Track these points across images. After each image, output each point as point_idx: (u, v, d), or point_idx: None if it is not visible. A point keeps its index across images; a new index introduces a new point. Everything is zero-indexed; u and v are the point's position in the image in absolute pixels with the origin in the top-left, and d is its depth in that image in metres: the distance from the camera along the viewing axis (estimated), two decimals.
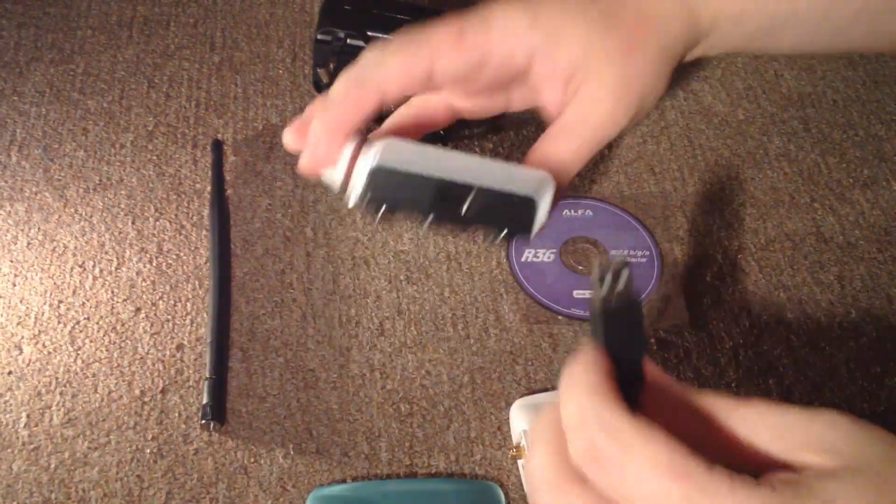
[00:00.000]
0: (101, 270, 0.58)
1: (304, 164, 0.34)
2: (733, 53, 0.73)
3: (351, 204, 0.32)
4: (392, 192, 0.31)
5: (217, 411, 0.52)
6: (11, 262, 0.58)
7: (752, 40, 0.38)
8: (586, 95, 0.34)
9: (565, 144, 0.34)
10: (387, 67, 0.33)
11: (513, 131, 0.67)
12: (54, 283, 0.57)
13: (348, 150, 0.33)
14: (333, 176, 0.34)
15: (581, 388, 0.26)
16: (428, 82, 0.34)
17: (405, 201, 0.31)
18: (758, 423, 0.26)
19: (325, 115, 0.33)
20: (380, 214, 0.31)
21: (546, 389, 0.54)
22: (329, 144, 0.33)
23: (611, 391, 0.26)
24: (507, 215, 0.32)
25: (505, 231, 0.33)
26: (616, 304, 0.27)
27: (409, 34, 0.34)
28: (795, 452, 0.25)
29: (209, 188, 0.62)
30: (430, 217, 0.32)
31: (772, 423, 0.26)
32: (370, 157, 0.31)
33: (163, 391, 0.53)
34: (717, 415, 0.26)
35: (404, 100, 0.37)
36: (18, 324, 0.55)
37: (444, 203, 0.31)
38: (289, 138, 0.35)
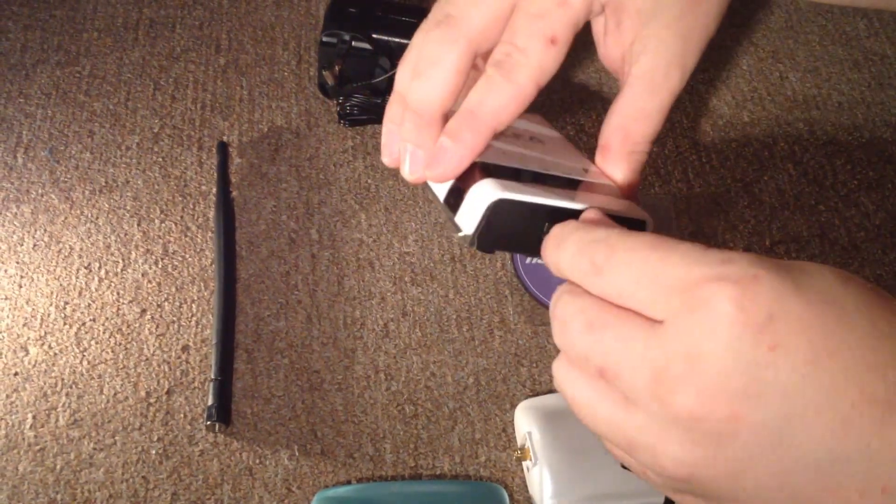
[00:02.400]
0: (106, 272, 0.58)
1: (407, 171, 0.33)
2: None
3: (467, 234, 0.32)
4: (509, 225, 0.31)
5: (222, 412, 0.52)
6: (17, 263, 0.58)
7: None
8: (659, 44, 0.33)
9: (649, 98, 0.34)
10: (474, 18, 0.31)
11: None
12: (60, 285, 0.57)
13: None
14: (437, 191, 0.33)
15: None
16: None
17: (519, 234, 0.31)
18: None
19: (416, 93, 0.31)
20: (492, 248, 0.31)
21: (551, 391, 0.54)
22: (429, 133, 0.32)
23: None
24: None
25: None
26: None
27: None
28: None
29: (214, 190, 0.62)
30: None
31: None
32: (489, 191, 0.30)
33: (168, 392, 0.53)
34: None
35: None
36: (24, 325, 0.55)
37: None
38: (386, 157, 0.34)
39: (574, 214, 0.31)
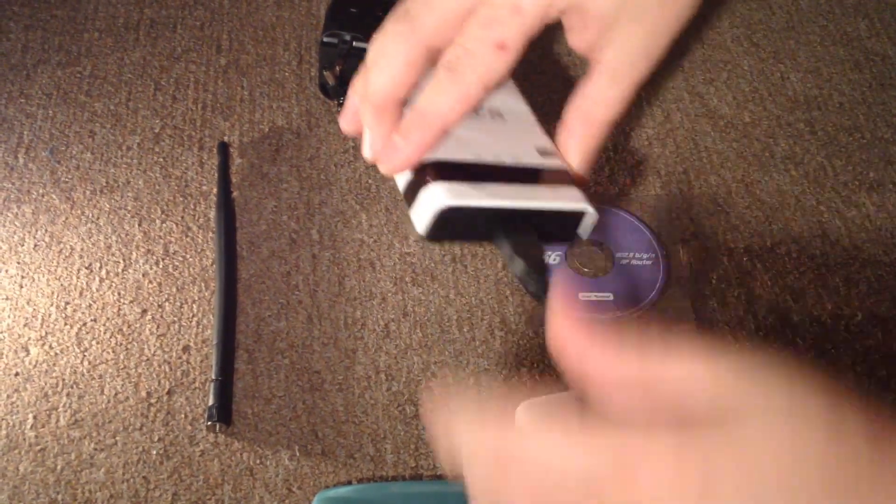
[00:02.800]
0: (107, 272, 0.58)
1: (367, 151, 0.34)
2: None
3: (419, 233, 0.34)
4: (458, 224, 0.33)
5: (223, 413, 0.52)
6: (18, 263, 0.58)
7: None
8: (624, 39, 0.34)
9: (613, 87, 0.35)
10: (428, 18, 0.33)
11: None
12: (61, 285, 0.57)
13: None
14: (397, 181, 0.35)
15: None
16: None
17: (469, 230, 0.33)
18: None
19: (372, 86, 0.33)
20: (443, 242, 0.33)
21: (552, 392, 0.54)
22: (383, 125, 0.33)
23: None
24: (558, 227, 0.35)
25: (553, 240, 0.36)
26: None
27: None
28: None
29: (215, 190, 0.62)
30: (501, 239, 0.34)
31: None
32: (437, 197, 0.32)
33: (169, 393, 0.53)
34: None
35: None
36: (25, 325, 0.55)
37: (504, 227, 0.33)
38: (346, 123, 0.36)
39: (519, 215, 0.33)
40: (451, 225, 0.33)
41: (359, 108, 0.34)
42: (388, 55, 0.33)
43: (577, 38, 0.35)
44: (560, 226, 0.35)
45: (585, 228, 0.35)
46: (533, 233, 0.34)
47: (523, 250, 0.35)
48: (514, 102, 0.40)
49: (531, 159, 0.36)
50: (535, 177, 0.35)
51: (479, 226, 0.33)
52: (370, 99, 0.33)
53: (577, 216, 0.35)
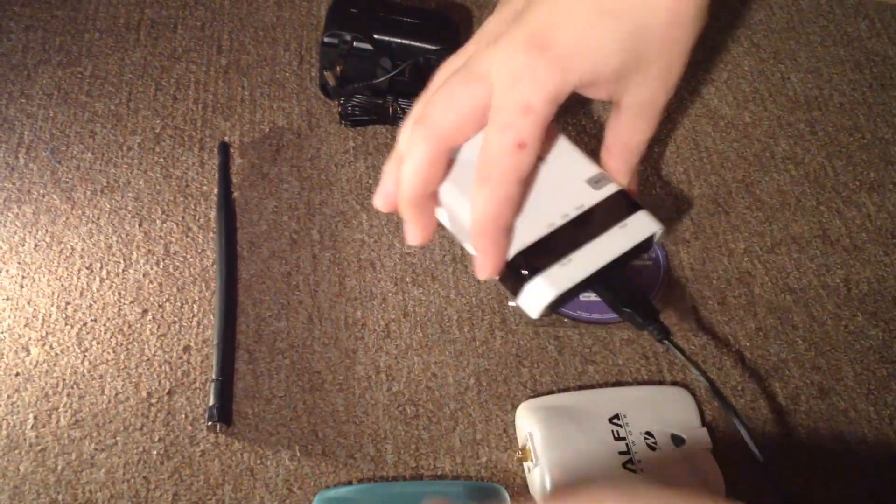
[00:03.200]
0: (108, 272, 0.58)
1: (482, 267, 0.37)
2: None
3: (531, 318, 0.39)
4: (562, 299, 0.36)
5: (223, 413, 0.52)
6: (19, 263, 0.58)
7: None
8: (640, 85, 0.37)
9: (640, 121, 0.39)
10: (444, 121, 0.36)
11: None
12: (62, 285, 0.57)
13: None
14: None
15: None
16: None
17: (570, 296, 0.37)
18: None
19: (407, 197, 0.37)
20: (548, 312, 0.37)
21: (552, 392, 0.54)
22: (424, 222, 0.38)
23: None
24: (638, 251, 0.38)
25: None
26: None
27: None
28: None
29: (216, 190, 0.62)
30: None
31: None
32: (543, 292, 0.36)
33: (169, 393, 0.53)
34: None
35: None
36: (26, 325, 0.55)
37: (600, 283, 0.38)
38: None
39: (609, 267, 0.37)
40: (556, 303, 0.36)
41: (398, 202, 0.37)
42: (413, 157, 0.35)
43: (593, 96, 0.38)
44: (639, 249, 0.38)
45: (657, 241, 0.39)
46: (626, 277, 0.39)
47: (627, 299, 0.39)
48: (548, 138, 0.42)
49: (590, 198, 0.38)
50: (604, 218, 0.38)
51: (578, 290, 0.37)
52: (404, 198, 0.36)
53: (651, 237, 0.38)
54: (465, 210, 0.37)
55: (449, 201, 0.38)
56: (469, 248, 0.38)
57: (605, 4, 0.34)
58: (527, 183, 0.37)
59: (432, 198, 0.37)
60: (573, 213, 0.38)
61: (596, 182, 0.39)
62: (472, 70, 0.35)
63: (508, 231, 0.36)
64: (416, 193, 0.36)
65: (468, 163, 0.37)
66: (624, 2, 0.34)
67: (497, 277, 0.37)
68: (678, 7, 0.35)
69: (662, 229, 0.38)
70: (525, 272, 0.36)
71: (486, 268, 0.36)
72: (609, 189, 0.38)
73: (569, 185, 0.38)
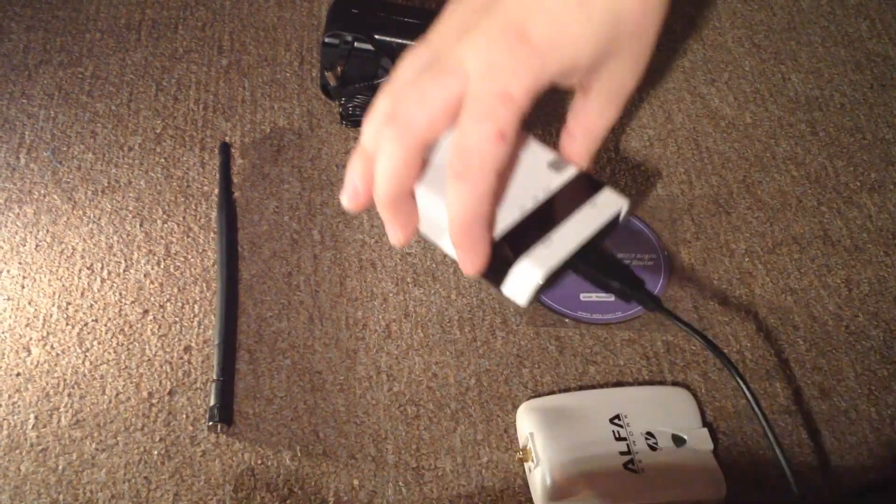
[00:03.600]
0: (109, 272, 0.58)
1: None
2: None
3: (520, 305, 0.38)
4: (548, 282, 0.36)
5: (224, 413, 0.52)
6: (20, 264, 0.58)
7: None
8: (611, 72, 0.37)
9: (608, 108, 0.39)
10: (419, 117, 0.35)
11: None
12: (62, 285, 0.57)
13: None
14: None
15: None
16: None
17: (553, 280, 0.36)
18: None
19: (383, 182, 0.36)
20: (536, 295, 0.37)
21: (553, 392, 0.54)
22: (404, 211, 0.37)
23: None
24: (608, 230, 0.39)
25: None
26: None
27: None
28: None
29: (217, 191, 0.62)
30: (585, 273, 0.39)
31: None
32: (530, 274, 0.35)
33: (170, 393, 0.53)
34: None
35: None
36: (27, 325, 0.55)
37: (582, 262, 0.37)
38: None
39: (587, 245, 0.37)
40: (544, 286, 0.35)
41: (376, 203, 0.36)
42: (388, 156, 0.34)
43: (563, 85, 0.37)
44: (609, 227, 0.38)
45: (623, 216, 0.39)
46: (604, 251, 0.38)
47: (612, 273, 0.39)
48: None
49: (555, 181, 0.38)
50: (573, 198, 0.38)
51: (560, 273, 0.36)
52: (381, 199, 0.35)
53: (618, 214, 0.38)
54: (439, 208, 0.36)
55: (419, 202, 0.37)
56: (446, 247, 0.37)
57: None
58: (504, 177, 0.36)
59: (411, 195, 0.36)
60: (542, 196, 0.37)
61: (556, 165, 0.39)
62: (444, 63, 0.34)
63: (490, 225, 0.35)
64: (394, 193, 0.35)
65: (435, 161, 0.37)
66: None
67: (482, 271, 0.36)
68: None
69: (628, 203, 0.38)
70: (508, 258, 0.35)
71: (473, 264, 0.35)
72: (570, 171, 0.39)
73: (531, 170, 0.38)
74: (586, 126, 0.39)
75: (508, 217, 0.36)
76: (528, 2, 0.34)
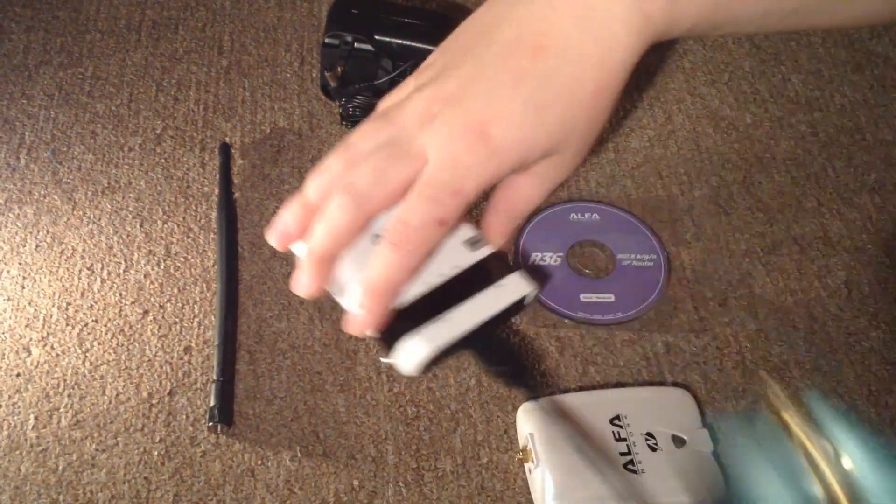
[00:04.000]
0: (109, 273, 0.58)
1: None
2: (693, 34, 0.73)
3: (405, 374, 0.40)
4: (438, 357, 0.38)
5: (224, 414, 0.52)
6: (20, 264, 0.58)
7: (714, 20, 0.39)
8: (557, 161, 0.38)
9: (539, 191, 0.40)
10: (375, 195, 0.37)
11: None
12: (62, 286, 0.57)
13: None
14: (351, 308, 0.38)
15: None
16: None
17: (447, 355, 0.38)
18: None
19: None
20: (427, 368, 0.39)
21: (553, 393, 0.54)
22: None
23: None
24: (512, 310, 0.40)
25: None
26: None
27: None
28: None
29: (217, 191, 0.62)
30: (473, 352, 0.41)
31: None
32: (416, 350, 0.37)
33: (170, 393, 0.53)
34: None
35: None
36: (27, 326, 0.55)
37: (473, 342, 0.39)
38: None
39: (482, 326, 0.38)
40: (432, 362, 0.37)
41: (302, 255, 0.38)
42: (334, 220, 0.36)
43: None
44: (514, 308, 0.40)
45: (529, 301, 0.41)
46: (501, 337, 0.43)
47: (500, 358, 0.41)
48: None
49: (467, 259, 0.40)
50: (479, 279, 0.40)
51: (454, 349, 0.38)
52: (313, 254, 0.37)
53: (526, 295, 0.40)
54: (349, 268, 0.38)
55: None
56: (345, 302, 0.38)
57: (539, 98, 0.35)
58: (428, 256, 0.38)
59: (333, 259, 0.38)
60: (450, 274, 0.39)
61: (473, 244, 0.41)
62: (406, 147, 0.36)
63: (397, 294, 0.37)
64: (328, 252, 0.37)
65: None
66: (554, 92, 0.36)
67: (366, 332, 0.38)
68: (602, 83, 0.36)
69: (535, 291, 0.40)
70: (401, 331, 0.37)
71: (366, 324, 0.37)
72: (485, 251, 0.40)
73: (447, 246, 0.40)
74: (511, 202, 0.41)
75: (412, 290, 0.38)
76: (495, 103, 0.35)
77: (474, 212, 0.42)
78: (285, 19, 0.73)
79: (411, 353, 0.37)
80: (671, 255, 0.61)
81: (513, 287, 0.39)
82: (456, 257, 0.40)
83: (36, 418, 0.52)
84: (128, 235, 0.60)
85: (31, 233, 0.60)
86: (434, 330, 0.37)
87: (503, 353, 0.42)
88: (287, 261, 0.59)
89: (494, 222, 0.41)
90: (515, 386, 0.44)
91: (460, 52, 0.37)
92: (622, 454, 0.49)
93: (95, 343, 0.55)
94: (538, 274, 0.59)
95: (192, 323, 0.56)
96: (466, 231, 0.41)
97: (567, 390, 0.55)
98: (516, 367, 0.43)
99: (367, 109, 0.64)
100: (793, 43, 0.75)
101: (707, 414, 0.54)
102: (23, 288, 0.57)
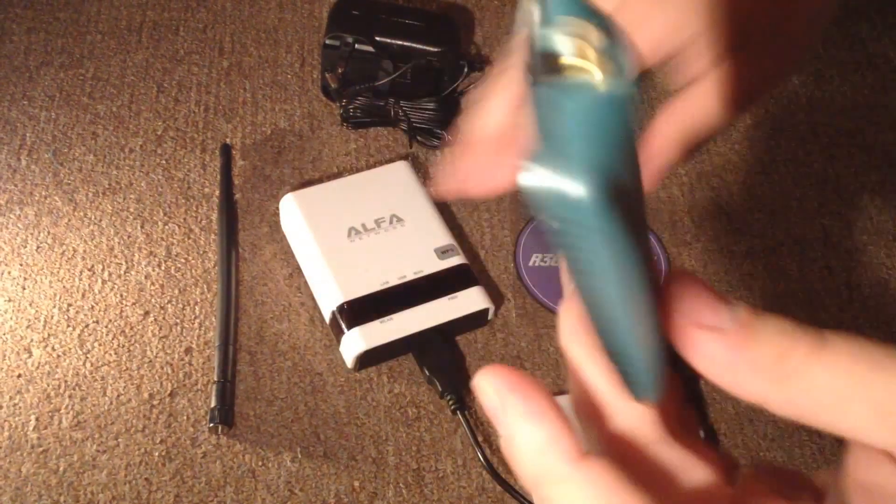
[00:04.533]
0: (110, 274, 0.58)
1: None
2: None
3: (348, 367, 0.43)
4: (379, 354, 0.40)
5: (225, 415, 0.52)
6: (21, 265, 0.58)
7: None
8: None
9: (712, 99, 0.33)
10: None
11: None
12: (63, 287, 0.57)
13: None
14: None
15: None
16: None
17: (390, 354, 0.40)
18: None
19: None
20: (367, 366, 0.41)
21: (553, 394, 0.54)
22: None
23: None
24: (467, 323, 0.41)
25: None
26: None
27: None
28: None
29: (218, 192, 0.62)
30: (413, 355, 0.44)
31: None
32: (354, 343, 0.39)
33: (171, 394, 0.53)
34: None
35: None
36: (28, 327, 0.55)
37: (416, 346, 0.41)
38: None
39: (429, 332, 0.39)
40: (372, 358, 0.39)
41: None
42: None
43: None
44: (469, 321, 0.40)
45: (491, 316, 0.42)
46: (447, 347, 0.41)
47: (435, 367, 0.43)
48: (415, 202, 0.43)
49: (431, 266, 0.41)
50: (437, 287, 0.39)
51: (397, 349, 0.39)
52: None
53: (483, 311, 0.40)
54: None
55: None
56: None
57: None
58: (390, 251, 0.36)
59: None
60: (409, 277, 0.39)
61: (444, 252, 0.40)
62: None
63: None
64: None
65: None
66: None
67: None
68: None
69: (492, 307, 0.40)
70: (345, 323, 0.39)
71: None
72: (453, 261, 0.40)
73: (416, 250, 0.40)
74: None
75: (368, 287, 0.38)
76: None
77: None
78: (286, 20, 0.74)
79: (349, 347, 0.37)
80: (672, 256, 0.61)
81: (468, 301, 0.39)
82: (421, 263, 0.40)
83: (37, 419, 0.52)
84: (129, 236, 0.60)
85: (32, 234, 0.60)
86: (376, 328, 0.37)
87: (442, 363, 0.41)
88: (287, 262, 0.59)
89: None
90: (442, 397, 0.44)
91: None
92: None
93: (96, 344, 0.55)
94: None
95: (192, 324, 0.56)
96: (440, 238, 0.40)
97: (566, 391, 0.55)
98: (448, 380, 0.43)
99: (367, 111, 0.64)
100: None
101: (708, 415, 0.54)
102: (24, 289, 0.57)
